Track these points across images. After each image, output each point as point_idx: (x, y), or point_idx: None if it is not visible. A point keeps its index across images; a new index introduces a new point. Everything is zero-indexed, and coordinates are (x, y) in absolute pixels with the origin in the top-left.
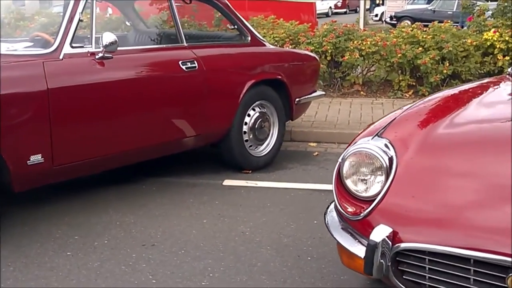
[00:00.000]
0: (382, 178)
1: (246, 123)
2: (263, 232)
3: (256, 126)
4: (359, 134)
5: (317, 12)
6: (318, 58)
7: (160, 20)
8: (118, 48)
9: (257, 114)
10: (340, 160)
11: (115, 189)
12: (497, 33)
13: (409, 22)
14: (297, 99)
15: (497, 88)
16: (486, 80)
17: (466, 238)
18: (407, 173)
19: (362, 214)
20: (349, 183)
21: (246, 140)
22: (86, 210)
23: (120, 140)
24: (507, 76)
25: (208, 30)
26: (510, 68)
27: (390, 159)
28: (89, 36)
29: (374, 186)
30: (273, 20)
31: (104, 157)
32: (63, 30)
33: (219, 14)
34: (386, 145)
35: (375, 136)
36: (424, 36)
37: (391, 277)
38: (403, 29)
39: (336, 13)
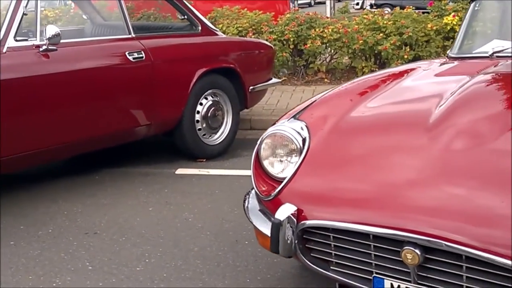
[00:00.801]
0: (297, 159)
1: (198, 112)
2: (206, 218)
3: (209, 114)
4: (280, 117)
5: (299, 2)
6: (273, 46)
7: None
8: (65, 41)
9: (210, 103)
10: (258, 142)
11: (68, 179)
12: (457, 17)
13: (389, 9)
14: (251, 87)
15: (425, 70)
16: (418, 62)
17: (365, 215)
18: (317, 154)
19: (273, 194)
20: (266, 164)
21: (199, 129)
22: (36, 201)
23: (67, 131)
24: (446, 58)
25: (161, 21)
26: (449, 50)
27: (304, 141)
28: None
29: (289, 167)
30: (238, 10)
31: (50, 148)
32: (6, 24)
33: None
34: (301, 127)
35: (291, 118)
36: (385, 22)
37: (299, 255)
38: (365, 16)
39: (319, 3)
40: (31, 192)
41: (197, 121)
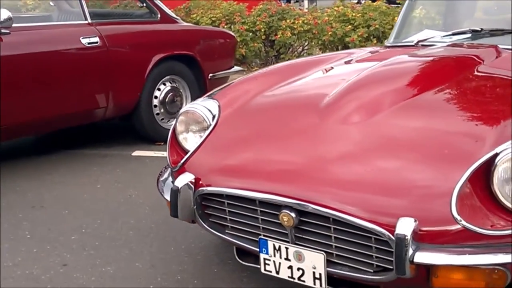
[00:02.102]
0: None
1: (156, 97)
2: (148, 195)
3: (167, 100)
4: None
5: None
6: (234, 35)
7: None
8: (18, 25)
9: (168, 88)
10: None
11: (28, 159)
12: (424, 10)
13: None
14: (210, 75)
15: (351, 57)
16: (355, 50)
17: (252, 183)
18: (220, 130)
19: (178, 165)
20: (180, 138)
21: (158, 114)
22: None
23: (22, 111)
24: (383, 47)
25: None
26: (387, 40)
27: (214, 118)
28: None
29: (199, 142)
30: (214, 0)
31: (5, 126)
32: None
33: None
34: (213, 106)
35: (205, 97)
36: (354, 14)
37: (197, 220)
38: (335, 8)
39: None
40: None
41: (155, 106)
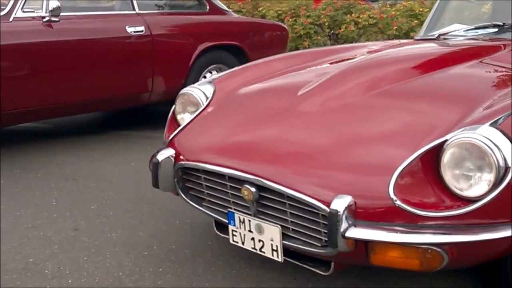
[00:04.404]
0: None
1: None
2: None
3: None
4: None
5: None
6: (286, 27)
7: None
8: (70, 14)
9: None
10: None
11: (78, 137)
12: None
13: None
14: None
15: (367, 48)
16: (373, 42)
17: (224, 160)
18: (208, 111)
19: (167, 140)
20: (179, 118)
21: None
22: (40, 153)
23: (68, 92)
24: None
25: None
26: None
27: (207, 100)
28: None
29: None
30: None
31: (57, 105)
32: None
33: None
34: (209, 90)
35: (205, 81)
36: (421, 9)
37: (178, 192)
38: (403, 3)
39: None
40: (40, 145)
41: None
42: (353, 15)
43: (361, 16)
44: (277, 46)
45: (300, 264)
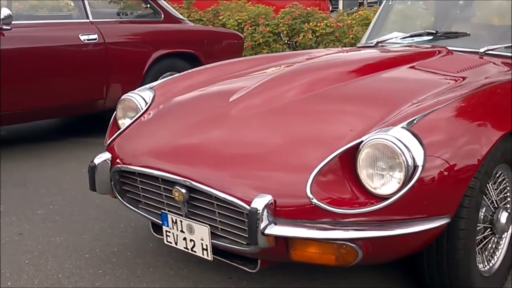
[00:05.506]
0: None
1: None
2: None
3: None
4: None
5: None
6: (242, 36)
7: None
8: (23, 22)
9: None
10: None
11: (32, 144)
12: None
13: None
14: None
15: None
16: (317, 50)
17: (157, 163)
18: (145, 116)
19: (106, 145)
20: (120, 123)
21: None
22: None
23: (20, 99)
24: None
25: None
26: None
27: (146, 106)
28: None
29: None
30: (244, 3)
31: (5, 113)
32: None
33: None
34: (149, 96)
35: (145, 87)
36: None
37: (116, 195)
38: (359, 12)
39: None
40: None
41: None
42: (310, 23)
43: (318, 25)
44: (232, 54)
45: (230, 262)
